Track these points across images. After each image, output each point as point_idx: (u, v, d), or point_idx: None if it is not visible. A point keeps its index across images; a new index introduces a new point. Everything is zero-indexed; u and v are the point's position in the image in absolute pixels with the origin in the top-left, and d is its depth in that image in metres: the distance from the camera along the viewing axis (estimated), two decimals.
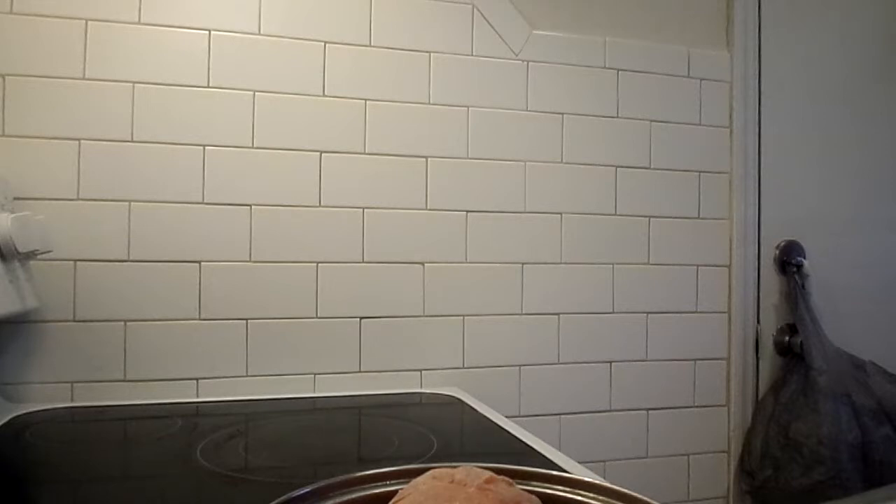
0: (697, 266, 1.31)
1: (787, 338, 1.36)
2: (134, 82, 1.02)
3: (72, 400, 0.99)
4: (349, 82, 1.12)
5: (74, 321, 1.00)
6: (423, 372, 1.15)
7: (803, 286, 1.36)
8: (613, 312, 1.26)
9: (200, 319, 1.05)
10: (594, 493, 0.47)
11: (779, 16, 1.39)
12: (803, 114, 1.41)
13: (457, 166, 1.18)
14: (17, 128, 0.98)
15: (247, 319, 1.07)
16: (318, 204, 1.11)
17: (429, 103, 1.16)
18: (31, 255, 0.90)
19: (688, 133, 1.31)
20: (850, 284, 1.43)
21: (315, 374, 1.10)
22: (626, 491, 0.46)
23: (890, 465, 1.24)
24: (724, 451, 1.33)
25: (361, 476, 0.48)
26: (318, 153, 1.11)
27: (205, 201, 1.05)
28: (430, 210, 1.16)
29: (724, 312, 1.33)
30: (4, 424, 0.86)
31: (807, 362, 1.29)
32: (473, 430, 0.93)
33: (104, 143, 1.01)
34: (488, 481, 0.41)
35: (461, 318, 1.17)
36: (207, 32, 1.06)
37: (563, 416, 1.22)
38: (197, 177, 1.05)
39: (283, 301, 1.08)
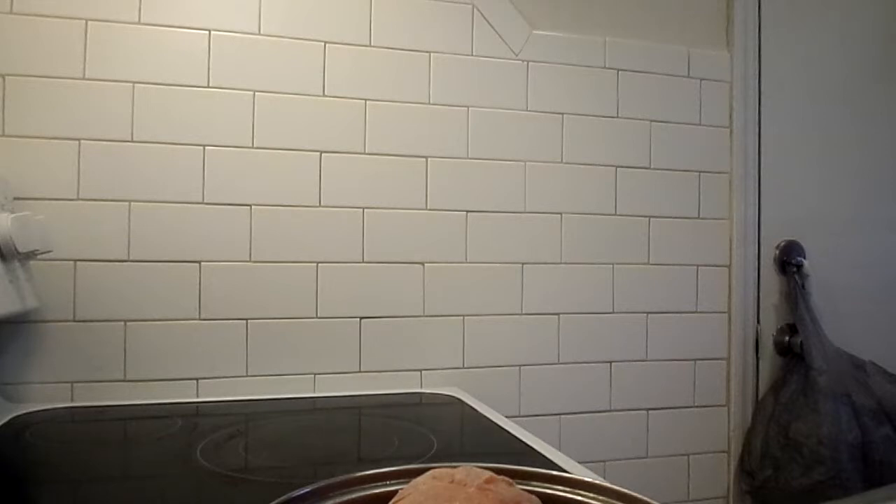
0: (697, 266, 1.31)
1: (787, 338, 1.36)
2: (134, 82, 1.02)
3: (72, 400, 0.99)
4: (349, 82, 1.12)
5: (74, 321, 1.00)
6: (423, 372, 1.15)
7: (803, 286, 1.36)
8: (613, 312, 1.26)
9: (200, 319, 1.05)
10: (594, 493, 0.47)
11: (779, 16, 1.39)
12: (803, 114, 1.41)
13: (457, 166, 1.18)
14: (17, 128, 0.98)
15: (247, 319, 1.07)
16: (318, 204, 1.11)
17: (429, 103, 1.16)
18: (31, 255, 0.90)
19: (688, 133, 1.31)
20: (850, 284, 1.43)
21: (315, 374, 1.10)
22: (626, 491, 0.46)
23: (890, 465, 1.24)
24: (724, 451, 1.33)
25: (361, 476, 0.48)
26: (318, 153, 1.11)
27: (205, 201, 1.05)
28: (430, 210, 1.16)
29: (724, 312, 1.33)
30: (4, 424, 0.86)
31: (807, 362, 1.29)
32: (473, 430, 0.93)
33: (104, 143, 1.01)
34: (488, 481, 0.41)
35: (461, 318, 1.17)
36: (207, 32, 1.06)
37: (563, 416, 1.22)
38: (197, 177, 1.05)
39: (283, 301, 1.08)
